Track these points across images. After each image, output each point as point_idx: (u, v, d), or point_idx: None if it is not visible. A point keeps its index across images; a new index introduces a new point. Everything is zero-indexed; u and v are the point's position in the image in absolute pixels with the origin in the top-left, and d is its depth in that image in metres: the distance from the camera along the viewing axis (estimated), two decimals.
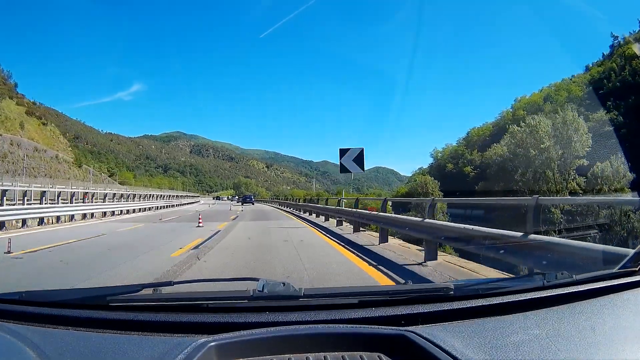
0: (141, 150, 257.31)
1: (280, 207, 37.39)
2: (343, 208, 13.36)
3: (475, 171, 62.32)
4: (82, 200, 24.04)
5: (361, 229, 10.72)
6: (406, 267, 5.54)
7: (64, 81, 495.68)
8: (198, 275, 4.75)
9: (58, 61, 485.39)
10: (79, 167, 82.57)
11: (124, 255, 6.49)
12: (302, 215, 20.73)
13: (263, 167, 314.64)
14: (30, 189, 21.86)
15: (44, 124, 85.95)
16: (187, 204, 50.02)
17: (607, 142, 34.22)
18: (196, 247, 7.09)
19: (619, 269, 1.38)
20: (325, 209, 16.30)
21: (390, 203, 12.03)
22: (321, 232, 10.71)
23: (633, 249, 1.79)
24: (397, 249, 7.29)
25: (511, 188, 35.69)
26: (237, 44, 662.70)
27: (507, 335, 0.98)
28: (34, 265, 5.65)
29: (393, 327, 1.01)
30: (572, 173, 34.00)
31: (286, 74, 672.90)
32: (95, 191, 28.33)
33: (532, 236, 3.45)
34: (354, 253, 6.68)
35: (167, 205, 36.29)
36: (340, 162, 13.56)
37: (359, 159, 13.46)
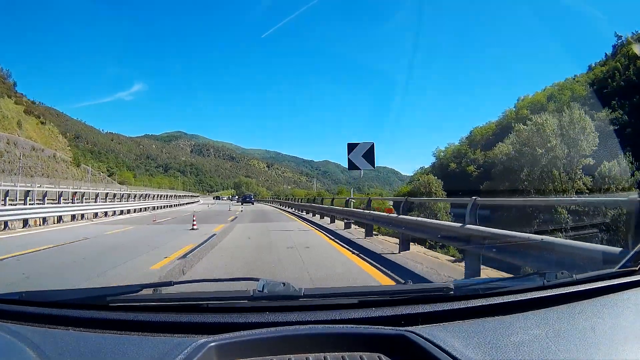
0: (142, 150, 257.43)
1: (280, 207, 36.78)
2: (352, 209, 12.28)
3: (478, 170, 61.61)
4: (71, 201, 23.15)
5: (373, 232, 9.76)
6: None
7: (65, 81, 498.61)
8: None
9: (59, 61, 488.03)
10: (77, 166, 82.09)
11: (86, 270, 5.36)
12: (305, 216, 20.00)
13: (264, 167, 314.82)
14: (15, 188, 20.92)
15: (42, 123, 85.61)
16: (186, 204, 49.38)
17: (613, 142, 33.79)
18: (184, 256, 6.26)
19: (618, 268, 1.38)
20: (331, 210, 15.30)
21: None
22: (329, 237, 9.79)
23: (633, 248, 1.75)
24: (423, 258, 6.26)
25: (517, 188, 35.09)
26: (238, 44, 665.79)
27: (507, 335, 0.98)
28: None
29: (393, 327, 1.00)
30: (578, 172, 33.43)
31: (287, 74, 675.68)
32: (86, 190, 27.57)
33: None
34: (374, 266, 5.62)
35: (164, 206, 35.71)
36: (349, 158, 12.28)
37: (369, 155, 12.26)
